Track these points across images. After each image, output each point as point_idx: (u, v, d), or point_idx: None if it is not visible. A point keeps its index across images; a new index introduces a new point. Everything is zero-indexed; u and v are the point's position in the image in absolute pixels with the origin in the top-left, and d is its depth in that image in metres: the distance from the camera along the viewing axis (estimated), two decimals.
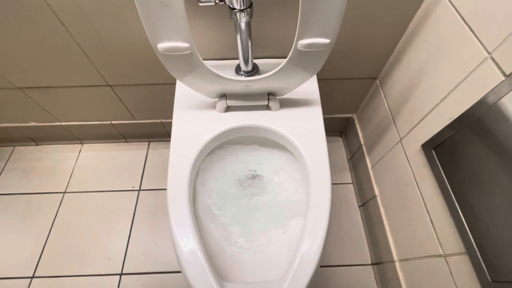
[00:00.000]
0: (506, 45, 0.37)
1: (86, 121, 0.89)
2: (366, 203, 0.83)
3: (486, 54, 0.40)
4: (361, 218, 0.86)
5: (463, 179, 0.45)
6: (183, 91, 0.59)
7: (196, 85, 0.51)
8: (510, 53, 0.36)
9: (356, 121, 0.90)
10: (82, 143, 0.99)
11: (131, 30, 0.56)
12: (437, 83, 0.51)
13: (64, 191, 0.89)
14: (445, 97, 0.49)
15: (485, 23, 0.40)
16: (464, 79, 0.44)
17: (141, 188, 0.90)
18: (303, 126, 0.55)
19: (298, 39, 0.42)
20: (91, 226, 0.83)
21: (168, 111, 0.85)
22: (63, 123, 0.88)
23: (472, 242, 0.44)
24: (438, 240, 0.52)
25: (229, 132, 0.55)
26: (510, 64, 0.36)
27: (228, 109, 0.56)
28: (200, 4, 0.43)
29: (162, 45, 0.41)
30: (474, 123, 0.42)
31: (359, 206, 0.88)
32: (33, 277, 0.76)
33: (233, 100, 0.54)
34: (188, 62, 0.45)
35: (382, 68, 0.70)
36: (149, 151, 0.97)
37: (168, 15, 0.37)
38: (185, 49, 0.42)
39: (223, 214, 0.59)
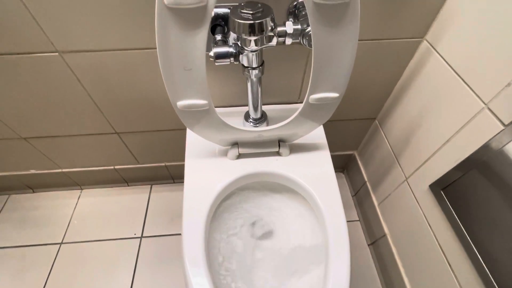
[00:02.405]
0: (501, 97, 0.40)
1: (88, 167, 0.87)
2: (376, 242, 0.82)
3: (483, 105, 0.43)
4: (372, 258, 0.84)
5: (477, 221, 0.46)
6: (193, 139, 0.60)
7: (211, 136, 0.53)
8: (506, 105, 0.40)
9: (357, 158, 0.92)
10: (81, 189, 0.96)
11: (142, 83, 0.59)
12: (438, 126, 0.54)
13: (61, 241, 0.85)
14: (448, 140, 0.51)
15: (479, 76, 0.44)
16: (465, 125, 0.47)
17: (143, 235, 0.86)
18: (314, 170, 0.56)
19: (310, 94, 0.44)
20: (89, 279, 0.78)
21: (173, 154, 0.85)
22: (64, 170, 0.87)
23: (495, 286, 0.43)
24: (459, 285, 0.51)
25: (242, 179, 0.56)
26: (507, 114, 0.39)
27: (240, 156, 0.57)
28: (216, 64, 0.46)
29: (181, 103, 0.43)
30: (482, 166, 0.44)
31: (368, 245, 0.87)
32: None
33: (245, 148, 0.56)
34: (205, 117, 0.47)
35: (381, 109, 0.75)
36: (152, 194, 0.95)
37: (189, 77, 0.40)
38: (203, 105, 0.44)
39: (230, 267, 0.57)
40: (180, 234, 0.86)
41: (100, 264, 0.80)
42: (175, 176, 0.96)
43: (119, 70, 0.55)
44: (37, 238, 0.85)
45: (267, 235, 0.63)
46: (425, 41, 0.55)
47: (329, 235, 0.48)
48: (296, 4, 0.47)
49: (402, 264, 0.70)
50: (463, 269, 0.50)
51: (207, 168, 0.56)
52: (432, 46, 0.53)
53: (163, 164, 0.89)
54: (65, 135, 0.72)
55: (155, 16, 0.33)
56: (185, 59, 0.38)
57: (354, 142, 0.89)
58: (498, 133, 0.41)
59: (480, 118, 0.44)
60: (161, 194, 0.95)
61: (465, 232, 0.48)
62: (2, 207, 0.91)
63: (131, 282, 0.77)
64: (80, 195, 0.95)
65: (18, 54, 0.50)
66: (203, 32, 0.35)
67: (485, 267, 0.45)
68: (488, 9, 0.41)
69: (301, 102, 0.54)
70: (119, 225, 0.88)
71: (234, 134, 0.52)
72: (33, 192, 0.95)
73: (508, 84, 0.39)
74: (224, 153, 0.58)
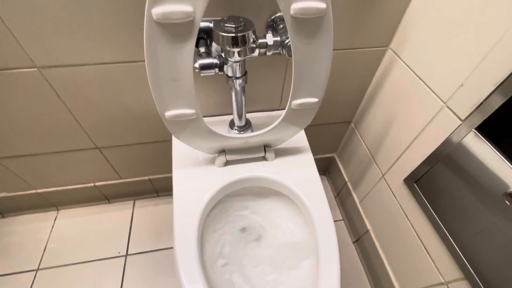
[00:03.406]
0: (457, 96, 0.46)
1: (66, 186, 0.83)
2: (360, 238, 0.86)
3: (442, 104, 0.49)
4: (358, 254, 0.88)
5: (447, 209, 0.51)
6: (180, 150, 0.61)
7: (199, 144, 0.54)
8: (462, 102, 0.45)
9: (337, 160, 0.97)
10: (58, 210, 0.91)
11: (124, 96, 0.59)
12: (407, 125, 0.60)
13: (36, 268, 0.79)
14: (416, 137, 0.57)
15: (437, 79, 0.50)
16: (429, 122, 0.53)
17: (128, 253, 0.83)
18: (299, 172, 0.59)
19: (292, 100, 0.48)
20: None
21: (157, 167, 0.84)
22: (39, 191, 0.82)
23: (468, 267, 0.48)
24: (437, 268, 0.55)
25: (230, 185, 0.57)
26: (463, 110, 0.45)
27: (227, 163, 0.59)
28: (201, 75, 0.48)
29: (169, 113, 0.44)
30: (446, 159, 0.49)
31: (353, 242, 0.90)
32: None
33: (232, 155, 0.57)
34: (193, 126, 0.48)
35: (355, 113, 0.80)
36: (135, 209, 0.93)
37: (177, 88, 0.41)
38: (191, 115, 0.45)
39: (227, 265, 0.57)
40: (168, 249, 0.84)
41: (82, 285, 0.76)
42: (159, 190, 0.94)
43: (100, 84, 0.55)
44: (9, 267, 0.79)
45: (258, 238, 0.64)
46: (389, 50, 0.61)
47: (318, 232, 0.51)
48: (274, 18, 0.51)
49: (385, 256, 0.74)
50: (438, 253, 0.55)
51: (196, 177, 0.57)
52: (396, 54, 0.60)
53: (146, 177, 0.87)
54: (42, 153, 0.69)
55: (143, 30, 0.34)
56: (173, 70, 0.39)
57: (333, 145, 0.94)
58: (457, 127, 0.46)
59: (441, 115, 0.50)
60: (145, 209, 0.93)
61: (437, 219, 0.53)
62: None
63: None
64: (56, 216, 0.90)
65: None
66: (190, 45, 0.37)
67: (457, 248, 0.49)
68: (441, 17, 0.48)
69: (283, 109, 0.57)
70: (102, 244, 0.84)
71: (221, 142, 0.54)
72: (3, 217, 0.88)
73: (462, 85, 0.45)
74: (212, 161, 0.59)
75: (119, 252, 0.83)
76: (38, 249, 0.83)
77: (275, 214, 0.65)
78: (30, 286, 0.76)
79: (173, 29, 0.35)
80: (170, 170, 0.85)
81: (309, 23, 0.37)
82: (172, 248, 0.84)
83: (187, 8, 0.33)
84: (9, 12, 0.42)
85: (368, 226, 0.80)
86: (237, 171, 0.58)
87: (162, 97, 0.42)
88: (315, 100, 0.48)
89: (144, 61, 0.52)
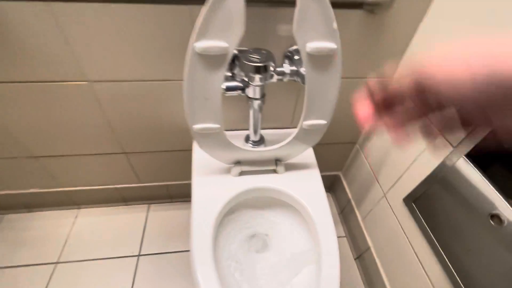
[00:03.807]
0: None
1: (90, 186, 0.91)
2: (361, 255, 0.89)
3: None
4: (358, 271, 0.91)
5: (442, 227, 0.56)
6: (199, 158, 0.68)
7: (218, 154, 0.61)
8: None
9: (342, 178, 1.02)
10: (79, 208, 0.98)
11: (156, 109, 0.67)
12: (407, 149, 0.65)
13: (56, 261, 0.85)
14: (415, 160, 0.62)
15: None
16: (426, 147, 0.59)
17: (141, 253, 0.88)
18: (306, 185, 0.65)
19: (303, 121, 0.55)
20: None
21: (173, 174, 0.91)
22: (65, 189, 0.90)
23: (460, 285, 0.52)
24: (433, 286, 0.59)
25: (244, 193, 0.63)
26: (455, 139, 0.51)
27: (241, 173, 0.65)
28: (226, 95, 0.56)
29: (197, 126, 0.52)
30: (441, 181, 0.55)
31: (354, 259, 0.94)
32: None
33: (246, 166, 0.64)
34: (216, 138, 0.55)
35: (360, 135, 0.86)
36: (149, 213, 0.99)
37: (207, 105, 0.49)
38: (216, 129, 0.53)
39: (235, 267, 0.62)
40: (178, 252, 0.89)
41: (96, 283, 0.81)
42: (173, 196, 1.00)
43: (137, 97, 0.64)
44: (31, 258, 0.85)
45: (263, 245, 0.69)
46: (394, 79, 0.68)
47: (321, 241, 0.56)
48: (290, 51, 0.59)
49: (385, 273, 0.77)
50: (434, 270, 0.58)
51: (213, 183, 0.63)
52: None
53: (163, 183, 0.94)
54: (74, 154, 0.77)
55: (178, 56, 0.42)
56: (205, 91, 0.47)
57: (339, 164, 1.00)
58: (449, 153, 0.52)
59: (436, 141, 0.56)
60: (158, 213, 0.99)
61: (433, 237, 0.58)
62: None
63: None
64: (77, 214, 0.96)
65: (52, 82, 0.58)
66: (222, 72, 0.45)
67: (450, 266, 0.54)
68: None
69: (293, 127, 0.64)
70: (116, 244, 0.90)
71: (238, 153, 0.61)
72: (29, 212, 0.96)
73: None
74: (227, 171, 0.66)
75: (132, 252, 0.88)
76: (58, 243, 0.89)
77: (281, 224, 0.70)
78: (48, 278, 0.81)
79: (210, 59, 0.43)
80: (186, 178, 0.92)
81: (322, 58, 0.45)
82: (182, 251, 0.89)
83: (223, 44, 0.41)
84: (73, 35, 0.51)
85: (370, 243, 0.84)
86: (250, 181, 0.64)
87: (193, 112, 0.49)
88: (324, 122, 0.55)
89: (176, 80, 0.61)
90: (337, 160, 0.98)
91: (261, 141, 0.69)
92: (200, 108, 0.49)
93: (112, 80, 0.59)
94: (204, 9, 0.38)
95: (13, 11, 0.47)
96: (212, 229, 0.55)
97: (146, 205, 1.01)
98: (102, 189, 0.92)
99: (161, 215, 0.98)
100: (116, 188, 0.93)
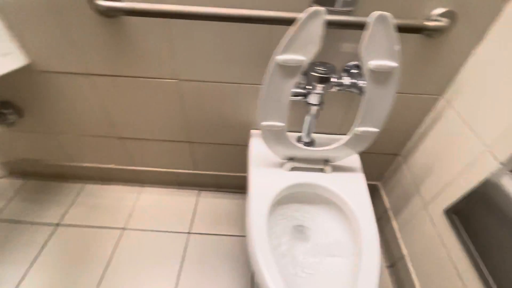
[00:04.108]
0: (498, 142, 0.56)
1: (155, 168, 1.06)
2: (395, 263, 0.92)
3: (484, 148, 0.59)
4: (390, 279, 0.93)
5: (484, 242, 0.58)
6: (256, 153, 0.78)
7: (277, 149, 0.70)
8: (502, 148, 0.55)
9: (381, 188, 1.05)
10: (142, 186, 1.14)
11: (226, 107, 0.79)
12: (451, 163, 0.69)
13: (123, 227, 1.01)
14: (459, 174, 0.66)
15: (482, 127, 0.61)
16: (471, 162, 0.62)
17: (191, 232, 1.01)
18: (351, 186, 0.71)
19: (356, 127, 0.62)
20: (145, 260, 0.92)
21: (225, 165, 1.03)
22: (136, 168, 1.06)
23: None
24: None
25: (294, 186, 0.72)
26: (502, 154, 0.55)
27: (293, 169, 0.74)
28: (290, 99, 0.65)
29: (266, 123, 0.62)
30: (485, 196, 0.58)
31: (387, 267, 0.97)
32: None
33: (298, 162, 0.73)
34: (279, 135, 0.65)
35: (403, 147, 0.91)
36: (200, 198, 1.12)
37: (277, 107, 0.59)
38: (281, 127, 0.62)
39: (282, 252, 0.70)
40: (222, 235, 1.00)
41: (154, 251, 0.95)
42: (221, 185, 1.12)
43: (213, 96, 0.76)
44: (104, 222, 1.02)
45: (306, 236, 0.76)
46: (442, 98, 0.73)
47: (363, 239, 0.61)
48: (348, 65, 0.67)
49: (419, 283, 0.80)
50: (473, 284, 0.61)
51: (268, 175, 0.73)
52: (448, 102, 0.71)
53: (215, 173, 1.06)
54: (152, 139, 0.93)
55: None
56: (278, 94, 0.57)
57: (379, 174, 1.04)
58: (496, 169, 0.56)
59: (482, 157, 0.59)
60: (207, 199, 1.11)
61: (473, 250, 0.60)
62: (79, 193, 1.10)
63: (178, 269, 0.91)
64: (141, 191, 1.12)
65: (151, 78, 0.72)
66: (295, 80, 0.55)
67: (490, 281, 0.56)
68: (494, 72, 0.59)
69: (340, 134, 0.71)
70: (171, 220, 1.04)
71: (294, 151, 0.70)
72: (102, 184, 1.14)
73: (503, 133, 0.55)
74: (280, 166, 0.75)
75: (183, 229, 1.01)
76: (124, 213, 1.05)
77: (321, 219, 0.77)
78: (117, 239, 0.97)
79: (288, 69, 0.53)
80: (235, 170, 1.04)
81: (382, 74, 0.53)
82: (226, 235, 1.00)
83: (301, 57, 0.51)
84: (178, 43, 0.65)
85: (405, 252, 0.87)
86: (300, 176, 0.73)
87: (265, 111, 0.60)
88: (376, 130, 0.62)
89: (247, 84, 0.72)
90: (377, 170, 1.02)
91: (311, 143, 0.78)
92: (271, 108, 0.59)
93: (198, 80, 0.72)
94: (292, 30, 0.48)
95: (140, 23, 0.62)
96: (267, 214, 0.64)
97: (196, 191, 1.14)
98: (164, 171, 1.07)
99: (209, 201, 1.11)
100: (174, 172, 1.07)
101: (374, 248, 0.60)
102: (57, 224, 1.00)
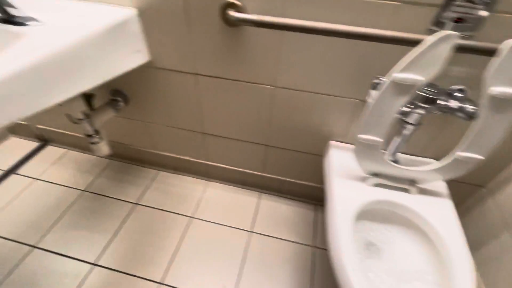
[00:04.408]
0: None
1: (225, 165, 1.13)
2: None
3: None
4: None
5: None
6: (337, 164, 0.80)
7: (366, 164, 0.71)
8: None
9: None
10: (208, 180, 1.22)
11: (314, 116, 0.83)
12: None
13: (191, 216, 1.08)
14: None
15: None
16: None
17: (253, 231, 1.05)
18: (438, 211, 0.69)
19: (459, 151, 0.61)
20: (209, 252, 0.98)
21: (293, 172, 1.06)
22: (209, 162, 1.14)
23: None
24: None
25: (376, 203, 0.72)
26: None
27: (375, 185, 0.74)
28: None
29: (364, 136, 0.64)
30: None
31: None
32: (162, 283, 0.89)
33: (384, 179, 0.73)
34: (372, 149, 0.66)
35: (491, 179, 0.85)
36: (261, 200, 1.16)
37: (380, 122, 0.61)
38: (378, 142, 0.64)
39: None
40: (283, 239, 1.03)
41: (217, 243, 1.00)
42: (283, 191, 1.15)
43: (301, 104, 0.80)
44: (174, 208, 1.11)
45: (378, 255, 0.75)
46: None
47: (454, 268, 0.59)
48: (452, 88, 0.66)
49: None
50: None
51: (350, 187, 0.74)
52: None
53: (280, 177, 1.10)
54: (231, 137, 1.00)
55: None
56: (385, 111, 0.59)
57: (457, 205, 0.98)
58: None
59: None
60: (268, 202, 1.15)
61: None
62: (154, 179, 1.22)
63: (240, 265, 0.95)
64: (207, 185, 1.20)
65: (249, 82, 0.79)
66: (406, 99, 0.56)
67: None
68: None
69: (427, 157, 0.70)
70: (233, 216, 1.09)
71: (382, 166, 0.70)
72: (174, 173, 1.24)
73: None
74: (362, 180, 0.75)
75: (245, 227, 1.06)
76: (192, 203, 1.13)
77: (399, 240, 0.76)
78: (186, 226, 1.05)
79: (402, 87, 0.55)
80: (303, 178, 1.06)
81: (505, 102, 0.52)
82: (287, 240, 1.02)
83: (420, 78, 0.52)
84: (285, 52, 0.70)
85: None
86: (383, 193, 0.72)
87: (367, 125, 0.62)
88: (481, 157, 0.60)
89: (336, 96, 0.74)
90: (456, 201, 0.96)
91: (396, 162, 0.77)
92: (374, 123, 0.61)
93: (292, 88, 0.77)
94: (416, 50, 0.50)
95: (257, 32, 0.68)
96: (352, 228, 0.65)
97: (258, 192, 1.19)
98: (232, 169, 1.13)
99: (270, 204, 1.14)
100: (241, 171, 1.13)
101: (467, 280, 0.57)
102: (135, 203, 1.12)
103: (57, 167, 1.24)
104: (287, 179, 1.10)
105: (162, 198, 1.14)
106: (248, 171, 1.12)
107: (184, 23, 0.71)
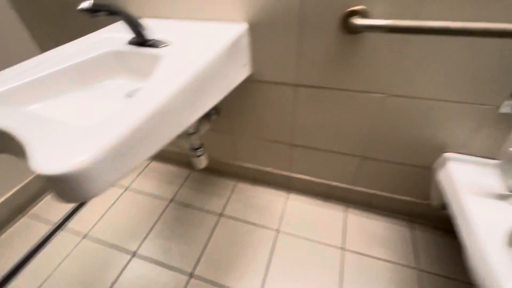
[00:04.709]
0: None
1: (309, 177, 1.09)
2: None
3: None
4: None
5: None
6: (464, 180, 0.70)
7: None
8: None
9: None
10: (289, 192, 1.19)
11: (424, 126, 0.75)
12: None
13: (277, 229, 1.06)
14: None
15: None
16: None
17: (345, 248, 0.98)
18: None
19: None
20: (302, 270, 0.93)
21: (391, 185, 0.97)
22: (291, 174, 1.11)
23: None
24: None
25: None
26: None
27: None
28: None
29: None
30: None
31: None
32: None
33: None
34: None
35: None
36: (348, 214, 1.09)
37: None
38: None
39: None
40: (382, 259, 0.94)
41: (309, 259, 0.96)
42: (374, 205, 1.07)
43: (415, 113, 0.73)
44: (258, 220, 1.09)
45: None
46: None
47: None
48: None
49: None
50: None
51: (491, 207, 0.64)
52: None
53: (372, 191, 1.02)
54: (322, 149, 0.95)
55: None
56: None
57: None
58: None
59: None
60: (356, 217, 1.08)
61: None
62: (233, 190, 1.22)
63: (338, 284, 0.88)
64: (288, 197, 1.17)
65: (357, 91, 0.74)
66: None
67: None
68: None
69: None
70: (320, 231, 1.04)
71: None
72: (252, 184, 1.24)
73: None
74: (501, 198, 0.65)
75: (336, 244, 0.99)
76: (276, 216, 1.10)
77: None
78: (273, 241, 1.02)
79: None
80: (401, 192, 0.96)
81: None
82: (385, 260, 0.93)
83: None
84: (403, 58, 0.64)
85: None
86: None
87: None
88: None
89: (463, 102, 0.66)
90: None
91: None
92: None
93: (407, 96, 0.71)
94: None
95: (378, 39, 0.64)
96: (506, 255, 0.56)
97: (343, 206, 1.12)
98: (317, 182, 1.09)
99: (360, 220, 1.06)
100: (327, 184, 1.08)
101: None
102: (220, 214, 1.13)
103: (143, 178, 1.32)
104: (380, 193, 1.01)
105: (244, 210, 1.14)
106: (334, 183, 1.07)
107: (295, 34, 0.69)
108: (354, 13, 0.61)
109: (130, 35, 0.66)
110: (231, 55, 0.66)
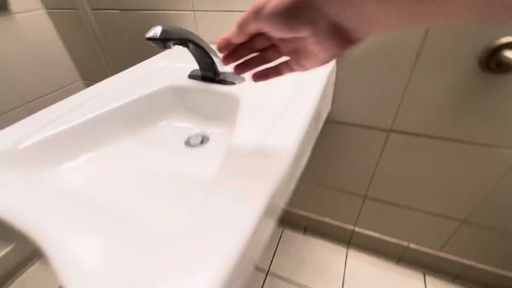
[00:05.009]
0: None
1: (379, 234, 0.89)
2: None
3: None
4: None
5: None
6: None
7: None
8: None
9: None
10: (349, 249, 0.98)
11: None
12: None
13: None
14: None
15: None
16: None
17: None
18: None
19: None
20: None
21: (493, 256, 0.75)
22: (355, 228, 0.91)
23: None
24: None
25: None
26: None
27: None
28: None
29: None
30: None
31: None
32: None
33: None
34: None
35: None
36: (427, 284, 0.86)
37: None
38: None
39: None
40: None
41: None
42: (463, 277, 0.84)
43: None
44: (315, 282, 0.89)
45: None
46: None
47: None
48: None
49: None
50: None
51: None
52: None
53: (466, 262, 0.80)
54: (407, 206, 0.76)
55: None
56: None
57: None
58: None
59: None
60: None
61: None
62: (280, 238, 1.04)
63: None
64: (346, 253, 0.97)
65: (480, 145, 0.56)
66: None
67: None
68: None
69: None
70: None
71: None
72: (304, 234, 1.04)
73: None
74: None
75: None
76: (336, 279, 0.90)
77: None
78: None
79: None
80: (501, 265, 0.74)
81: None
82: None
83: None
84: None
85: None
86: None
87: None
88: None
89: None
90: None
91: None
92: None
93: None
94: None
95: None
96: None
97: (420, 273, 0.90)
98: (389, 241, 0.88)
99: None
100: (404, 246, 0.87)
101: None
102: (267, 272, 0.94)
103: None
104: (477, 265, 0.79)
105: (295, 267, 0.94)
106: (413, 245, 0.85)
107: (407, 70, 0.53)
108: (507, 46, 0.44)
109: (191, 65, 0.52)
110: (325, 93, 0.50)
